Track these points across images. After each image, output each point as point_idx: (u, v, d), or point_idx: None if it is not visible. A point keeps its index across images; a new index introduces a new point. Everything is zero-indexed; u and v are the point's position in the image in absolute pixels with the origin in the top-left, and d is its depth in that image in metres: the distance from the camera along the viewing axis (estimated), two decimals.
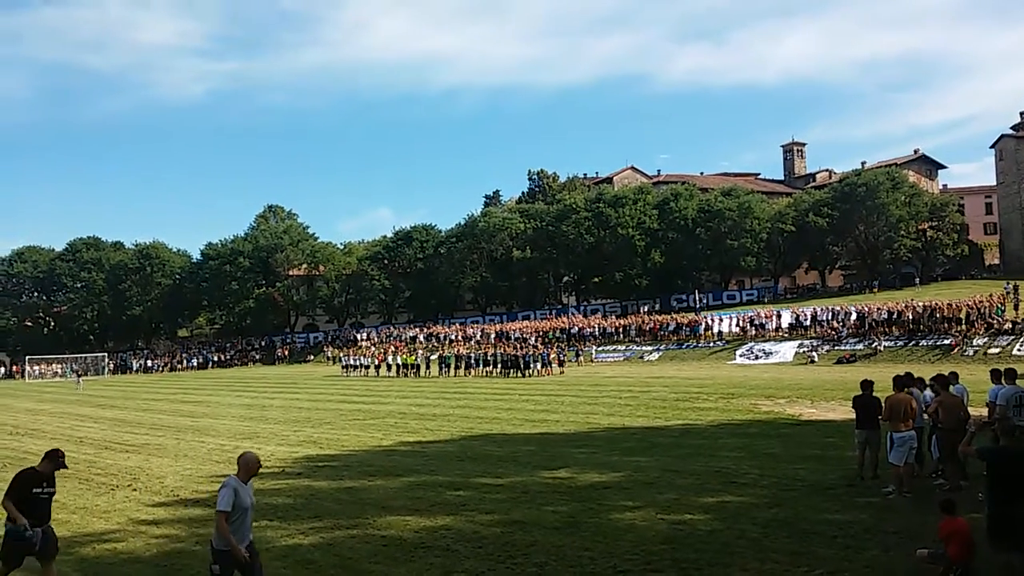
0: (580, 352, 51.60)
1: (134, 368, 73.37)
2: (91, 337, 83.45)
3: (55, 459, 8.38)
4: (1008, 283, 48.82)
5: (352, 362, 54.00)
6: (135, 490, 14.71)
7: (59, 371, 71.18)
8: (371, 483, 14.15)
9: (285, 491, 13.85)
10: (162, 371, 71.43)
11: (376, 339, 67.54)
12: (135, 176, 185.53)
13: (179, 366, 72.97)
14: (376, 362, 52.55)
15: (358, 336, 70.53)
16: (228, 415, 28.80)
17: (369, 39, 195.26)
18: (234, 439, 21.67)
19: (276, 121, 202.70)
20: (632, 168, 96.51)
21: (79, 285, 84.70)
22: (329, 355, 65.92)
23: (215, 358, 74.61)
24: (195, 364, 73.20)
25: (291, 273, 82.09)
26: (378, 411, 27.65)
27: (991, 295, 43.31)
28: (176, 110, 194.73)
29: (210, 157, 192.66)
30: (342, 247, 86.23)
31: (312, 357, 71.17)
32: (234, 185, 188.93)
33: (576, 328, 57.50)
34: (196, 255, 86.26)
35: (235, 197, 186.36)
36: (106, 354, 74.30)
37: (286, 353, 73.99)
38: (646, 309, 65.48)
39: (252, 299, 79.47)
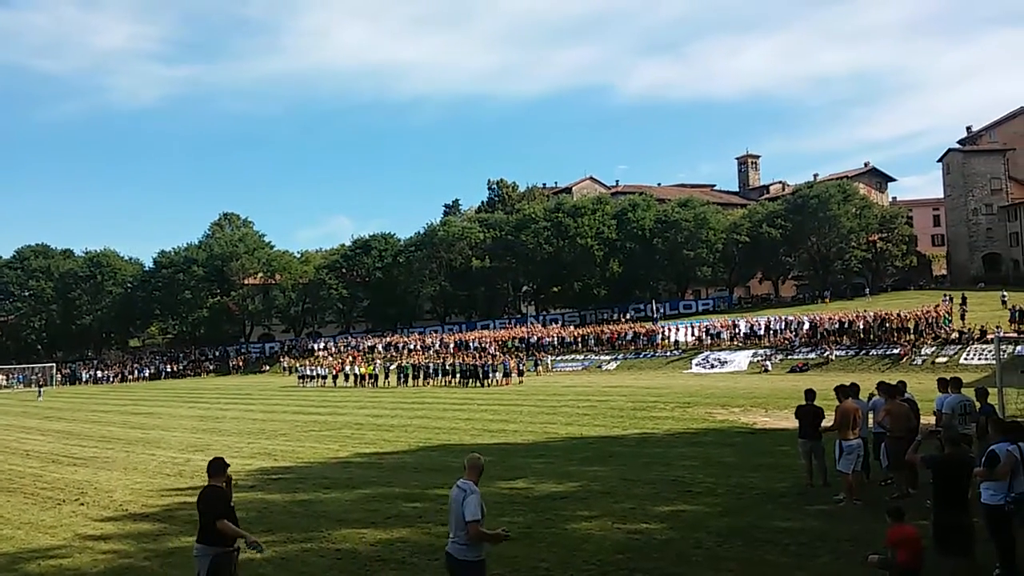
0: (539, 362, 51.68)
1: (84, 379, 71.52)
2: (39, 347, 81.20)
3: (225, 468, 7.79)
4: (945, 295, 50.36)
5: (308, 372, 53.32)
6: (82, 504, 14.35)
7: (3, 382, 69.12)
8: (326, 495, 14.00)
9: (237, 505, 13.38)
10: (112, 382, 69.75)
11: (333, 349, 66.86)
12: (86, 182, 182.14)
13: (130, 377, 71.32)
14: (333, 372, 52.00)
15: (315, 346, 69.72)
16: (180, 427, 28.28)
17: (329, 47, 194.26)
18: (185, 451, 21.28)
19: (233, 128, 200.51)
20: (591, 178, 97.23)
21: (27, 294, 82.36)
22: (285, 365, 65.02)
23: (167, 368, 73.16)
24: (147, 375, 71.66)
25: (246, 282, 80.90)
26: (334, 422, 27.38)
27: (937, 306, 44.52)
28: (130, 115, 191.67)
29: (164, 164, 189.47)
30: (299, 256, 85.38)
31: (267, 367, 70.12)
32: (189, 192, 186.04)
33: (535, 337, 57.61)
34: (148, 263, 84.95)
35: (190, 205, 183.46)
36: (55, 364, 72.34)
37: (241, 363, 72.82)
38: (604, 318, 65.91)
39: (206, 308, 78.14)
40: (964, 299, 48.25)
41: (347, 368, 52.16)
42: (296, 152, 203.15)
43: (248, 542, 7.38)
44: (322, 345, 69.40)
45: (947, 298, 48.20)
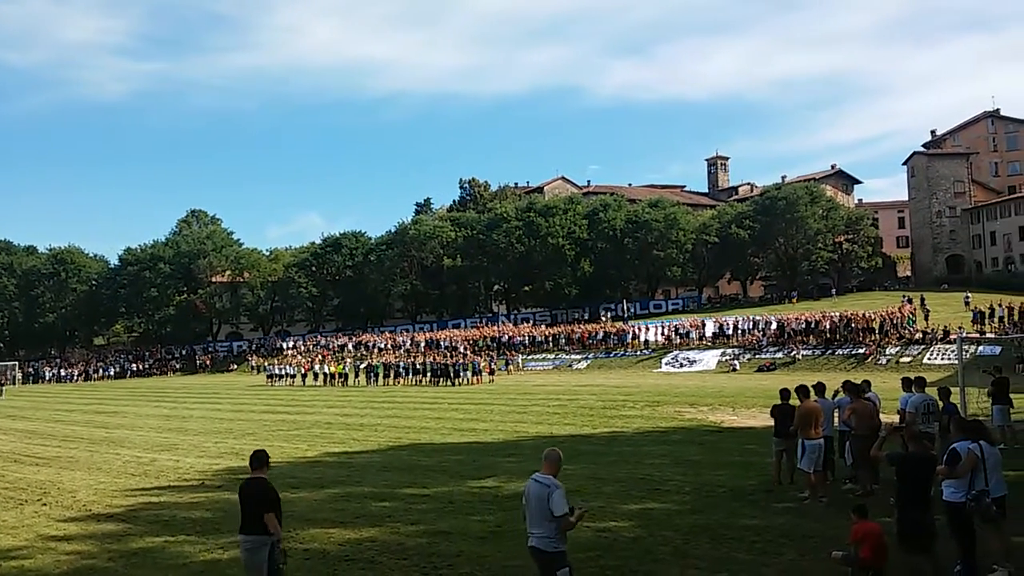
0: (510, 361, 51.70)
1: (47, 377, 70.19)
2: (1, 345, 79.66)
3: (267, 460, 7.79)
4: (904, 296, 51.38)
5: (277, 371, 52.84)
6: (45, 505, 14.09)
7: None
8: (294, 495, 13.86)
9: (204, 504, 13.48)
10: (77, 381, 68.54)
11: (303, 348, 66.34)
12: (51, 178, 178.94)
13: (95, 375, 70.13)
14: (302, 371, 51.57)
15: (284, 345, 69.11)
16: (145, 426, 27.88)
17: (301, 44, 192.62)
18: (151, 451, 20.99)
19: (202, 124, 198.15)
20: (563, 178, 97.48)
21: None
22: (253, 364, 64.37)
23: (133, 367, 72.02)
24: (112, 373, 70.47)
25: (214, 280, 79.98)
26: (303, 421, 27.17)
27: (901, 306, 45.32)
28: (97, 110, 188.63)
29: (132, 159, 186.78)
30: (268, 253, 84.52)
31: (235, 366, 69.36)
32: (156, 189, 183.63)
33: (506, 337, 57.63)
34: (114, 261, 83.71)
35: (157, 201, 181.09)
36: (17, 363, 70.88)
37: (208, 362, 71.94)
38: (575, 318, 66.14)
39: (173, 306, 77.23)
40: (923, 300, 49.16)
41: (316, 367, 51.78)
42: (266, 149, 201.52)
43: (279, 547, 7.46)
44: (291, 344, 68.84)
45: (907, 299, 49.11)
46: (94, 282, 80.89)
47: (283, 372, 52.48)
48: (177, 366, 72.63)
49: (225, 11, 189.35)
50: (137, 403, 39.48)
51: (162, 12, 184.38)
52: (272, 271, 79.19)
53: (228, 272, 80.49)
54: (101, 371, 71.16)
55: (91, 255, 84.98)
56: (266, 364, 58.21)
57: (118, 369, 71.63)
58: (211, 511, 12.88)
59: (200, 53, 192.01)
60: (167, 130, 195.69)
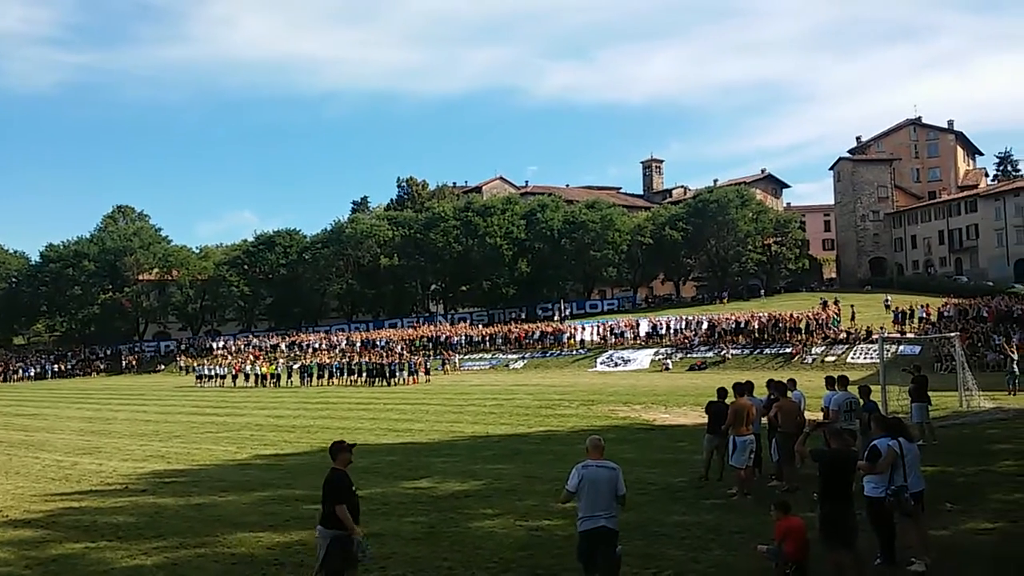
0: (447, 360, 51.53)
1: None
2: None
3: (349, 450, 7.66)
4: (822, 299, 53.30)
5: (207, 372, 51.52)
6: None
7: None
8: (222, 499, 13.57)
9: (128, 509, 13.07)
10: None
11: (233, 348, 64.90)
12: None
13: (13, 376, 67.25)
14: (233, 372, 50.44)
15: (214, 345, 67.48)
16: (67, 429, 26.92)
17: (235, 37, 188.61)
18: (72, 454, 20.26)
19: (131, 117, 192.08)
20: (501, 178, 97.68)
21: None
22: (182, 365, 62.71)
23: (55, 368, 69.32)
24: (32, 374, 67.74)
25: (141, 278, 77.77)
26: (233, 423, 26.58)
27: (826, 306, 46.77)
28: (21, 101, 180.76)
29: (56, 153, 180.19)
30: (198, 251, 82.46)
31: (163, 367, 67.44)
32: (81, 184, 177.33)
33: (443, 336, 57.44)
34: (35, 257, 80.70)
35: (82, 196, 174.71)
36: None
37: (134, 363, 69.74)
38: (512, 318, 66.33)
39: (97, 305, 74.62)
40: (836, 301, 50.99)
41: (247, 367, 50.70)
42: (198, 144, 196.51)
43: (356, 541, 7.32)
44: (222, 344, 67.32)
45: (823, 301, 50.87)
46: (14, 279, 78.10)
47: (213, 373, 51.24)
48: (101, 367, 70.27)
49: (156, 2, 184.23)
50: (58, 405, 38.10)
51: (92, 2, 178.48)
52: (202, 269, 77.33)
53: (156, 270, 78.46)
54: (20, 372, 68.34)
55: (11, 251, 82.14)
56: (195, 365, 56.70)
57: (39, 370, 68.90)
58: (135, 516, 12.49)
59: (130, 44, 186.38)
60: (94, 123, 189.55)
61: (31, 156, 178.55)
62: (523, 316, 67.14)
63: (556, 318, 61.22)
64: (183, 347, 70.85)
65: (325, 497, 7.47)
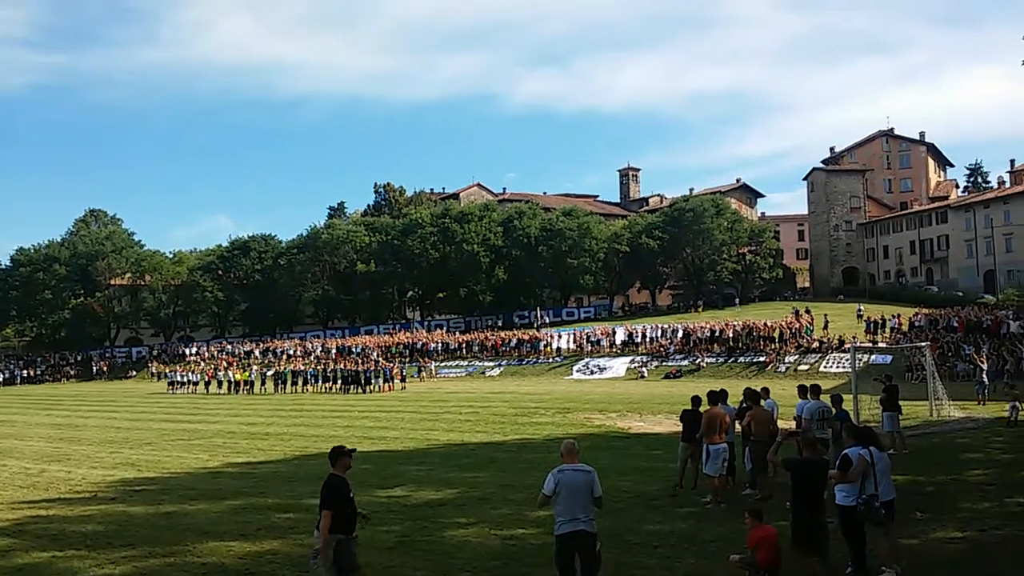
0: (423, 367, 51.36)
1: None
2: None
3: (349, 455, 7.67)
4: (794, 308, 53.92)
5: (179, 378, 50.91)
6: None
7: None
8: (193, 507, 13.40)
9: (97, 517, 12.87)
10: None
11: (207, 354, 64.20)
12: None
13: None
14: (206, 378, 49.91)
15: (187, 351, 66.74)
16: (35, 435, 26.50)
17: (211, 40, 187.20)
18: (40, 462, 19.94)
19: (105, 120, 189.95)
20: (479, 185, 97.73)
21: None
22: (154, 371, 61.87)
23: (23, 373, 68.09)
24: (0, 380, 66.61)
25: (113, 282, 76.72)
26: (205, 431, 26.28)
27: (798, 316, 47.23)
28: None
29: (28, 155, 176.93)
30: (171, 256, 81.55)
31: (134, 373, 66.57)
32: (53, 187, 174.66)
33: (419, 343, 57.24)
34: (5, 261, 79.17)
35: (54, 200, 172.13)
36: None
37: (105, 368, 68.76)
38: (489, 325, 66.30)
39: (68, 310, 73.53)
40: (808, 310, 51.63)
41: (221, 374, 50.18)
42: (172, 148, 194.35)
43: (317, 549, 7.39)
44: (195, 350, 66.57)
45: (795, 311, 51.42)
46: None
47: (185, 379, 50.66)
48: (72, 372, 69.15)
49: (131, 4, 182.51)
50: (27, 411, 37.54)
51: (65, 3, 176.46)
52: (175, 274, 76.46)
53: (128, 275, 77.45)
54: None
55: None
56: (167, 371, 55.95)
57: (7, 375, 67.69)
58: (103, 524, 12.30)
59: (104, 46, 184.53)
60: (67, 125, 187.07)
61: (1, 158, 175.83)
62: (500, 323, 67.12)
63: (536, 325, 61.19)
64: (155, 353, 69.95)
65: (321, 502, 7.47)
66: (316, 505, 12.96)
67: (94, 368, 68.94)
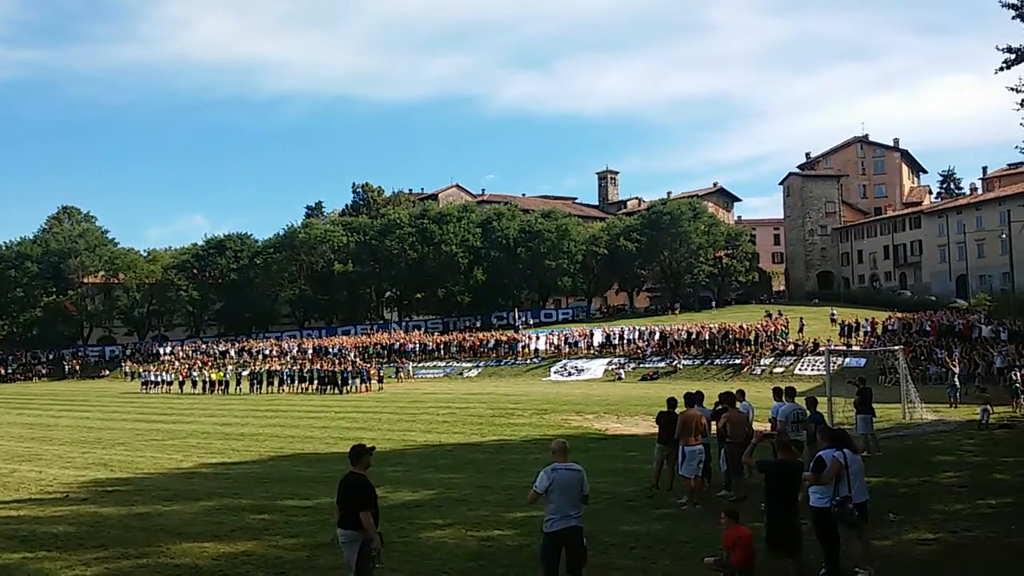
0: (400, 368, 51.20)
1: None
2: None
3: (370, 453, 7.70)
4: (768, 312, 54.50)
5: (153, 378, 50.36)
6: None
7: None
8: (166, 508, 13.26)
9: (68, 518, 12.69)
10: None
11: (181, 353, 63.58)
12: None
13: None
14: (179, 378, 49.41)
15: (161, 350, 66.06)
16: (6, 435, 26.15)
17: (190, 38, 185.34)
18: (11, 462, 19.66)
19: (79, 117, 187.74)
20: (457, 186, 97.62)
21: None
22: (127, 370, 61.17)
23: None
24: None
25: (86, 281, 75.75)
26: (179, 431, 26.04)
27: (776, 318, 47.63)
28: None
29: (0, 152, 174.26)
30: (145, 254, 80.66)
31: (107, 372, 65.82)
32: (25, 183, 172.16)
33: (397, 344, 57.05)
34: None
35: (26, 196, 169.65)
36: None
37: (78, 367, 67.95)
38: (467, 326, 66.22)
39: (40, 308, 72.57)
40: (781, 313, 52.26)
41: (195, 374, 49.71)
42: (148, 146, 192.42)
43: (375, 547, 7.36)
44: (169, 349, 65.94)
45: (768, 314, 51.87)
46: None
47: (159, 379, 50.13)
48: (43, 371, 68.22)
49: (110, 0, 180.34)
50: None
51: None
52: (149, 273, 75.67)
53: (102, 273, 76.52)
54: None
55: None
56: (141, 370, 55.35)
57: None
58: (75, 525, 12.13)
59: (81, 43, 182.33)
60: (40, 121, 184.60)
61: None
62: (478, 324, 67.05)
63: (516, 327, 61.25)
64: (129, 352, 69.19)
65: (351, 500, 7.44)
66: (294, 507, 13.01)
67: (66, 367, 68.09)
